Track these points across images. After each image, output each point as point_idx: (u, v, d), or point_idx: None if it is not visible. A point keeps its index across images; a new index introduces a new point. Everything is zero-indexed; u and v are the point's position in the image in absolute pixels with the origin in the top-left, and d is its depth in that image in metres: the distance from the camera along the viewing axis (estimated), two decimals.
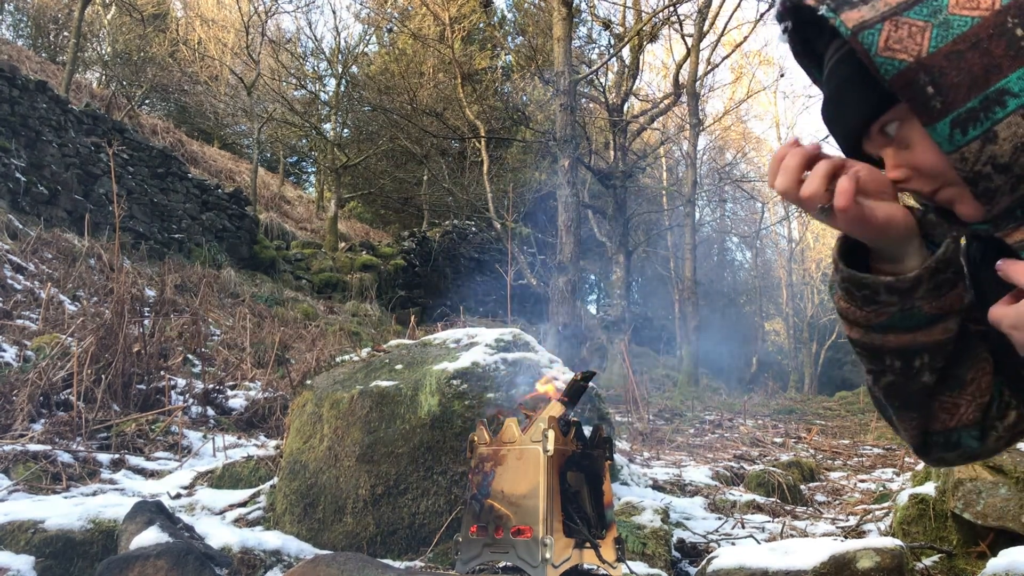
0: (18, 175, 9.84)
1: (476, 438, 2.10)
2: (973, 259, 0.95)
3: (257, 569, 2.34)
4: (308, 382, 3.38)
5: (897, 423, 0.98)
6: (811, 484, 4.91)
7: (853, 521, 3.56)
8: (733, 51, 18.88)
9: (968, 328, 0.92)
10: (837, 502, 4.42)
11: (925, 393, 0.93)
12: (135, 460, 3.97)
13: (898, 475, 5.13)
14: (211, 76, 21.34)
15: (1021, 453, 2.57)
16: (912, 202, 0.90)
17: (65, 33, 20.69)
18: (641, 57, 16.92)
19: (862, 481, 5.05)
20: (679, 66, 15.83)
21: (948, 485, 2.69)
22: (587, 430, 2.17)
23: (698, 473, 4.62)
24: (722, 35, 16.99)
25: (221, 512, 3.18)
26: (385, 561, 2.26)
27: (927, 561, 2.61)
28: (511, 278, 8.81)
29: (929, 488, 2.86)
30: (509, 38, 22.63)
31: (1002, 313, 0.80)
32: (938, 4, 0.75)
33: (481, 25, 20.25)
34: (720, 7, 15.91)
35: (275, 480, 3.27)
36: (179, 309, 8.04)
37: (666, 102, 16.53)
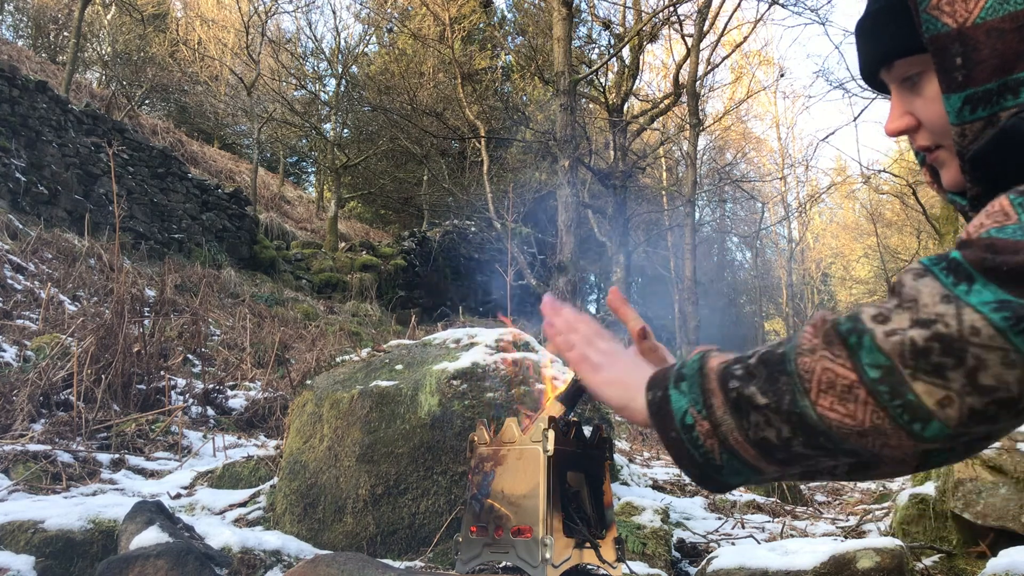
0: (18, 175, 9.84)
1: (476, 438, 2.10)
2: None
3: (257, 569, 2.34)
4: (308, 382, 3.38)
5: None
6: (811, 484, 4.91)
7: (853, 521, 3.56)
8: (733, 51, 18.87)
9: None
10: (837, 502, 4.42)
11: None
12: (135, 460, 3.97)
13: None
14: (211, 76, 21.34)
15: (1021, 453, 2.57)
16: None
17: (65, 33, 20.69)
18: (641, 57, 16.93)
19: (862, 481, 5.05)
20: (679, 66, 15.82)
21: (948, 485, 2.69)
22: (587, 430, 2.16)
23: None
24: (722, 35, 16.98)
25: (221, 512, 3.18)
26: (385, 561, 2.26)
27: (927, 561, 2.61)
28: (511, 278, 8.81)
29: (929, 488, 2.86)
30: (509, 38, 22.63)
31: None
32: None
33: (481, 25, 20.25)
34: (720, 7, 15.91)
35: (275, 480, 3.27)
36: (179, 309, 8.04)
37: (666, 102, 16.53)
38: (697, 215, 21.57)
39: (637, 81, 17.22)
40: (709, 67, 17.51)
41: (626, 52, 16.33)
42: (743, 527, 3.40)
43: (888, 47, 0.86)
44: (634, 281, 27.24)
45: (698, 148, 17.14)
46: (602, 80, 17.15)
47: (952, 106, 0.79)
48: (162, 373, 5.10)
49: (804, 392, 0.65)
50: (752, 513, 3.76)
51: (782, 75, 32.93)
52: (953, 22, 0.76)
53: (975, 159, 0.79)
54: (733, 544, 2.93)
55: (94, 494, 3.30)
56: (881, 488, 4.51)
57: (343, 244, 18.64)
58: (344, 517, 2.82)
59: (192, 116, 23.41)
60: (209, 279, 11.01)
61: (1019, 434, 2.57)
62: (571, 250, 9.85)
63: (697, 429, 0.73)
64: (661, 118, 18.68)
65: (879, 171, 20.14)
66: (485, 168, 14.85)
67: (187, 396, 5.18)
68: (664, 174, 25.27)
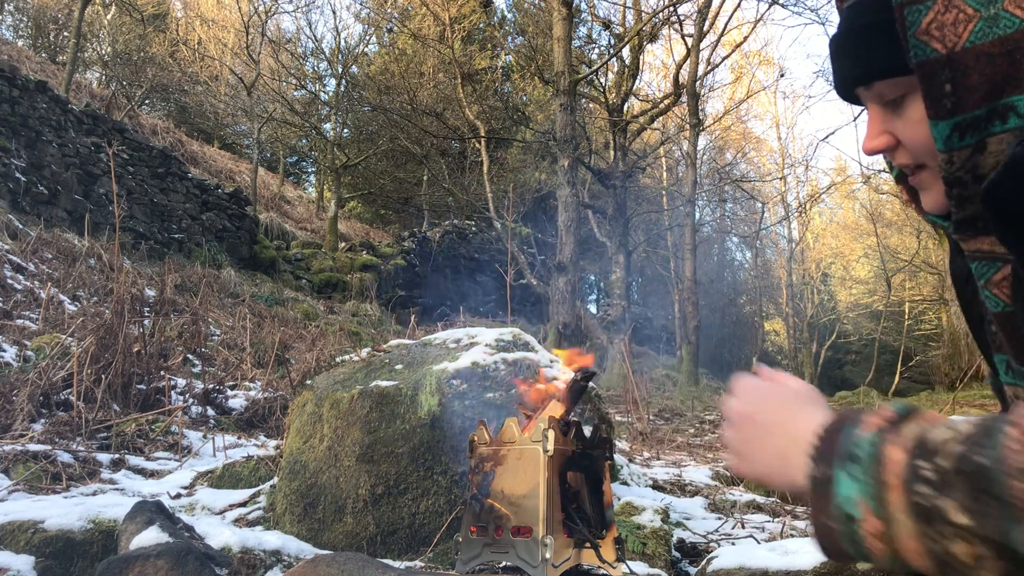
0: (18, 175, 9.84)
1: (476, 438, 2.10)
2: (957, 275, 0.93)
3: (257, 569, 2.34)
4: (308, 382, 3.39)
5: None
6: None
7: None
8: (733, 51, 18.89)
9: None
10: None
11: None
12: (135, 460, 3.97)
13: None
14: (211, 76, 21.35)
15: None
16: None
17: (65, 33, 20.70)
18: (641, 57, 16.94)
19: None
20: (679, 66, 15.84)
21: None
22: (587, 430, 2.17)
23: (698, 473, 4.62)
24: (722, 35, 17.00)
25: (221, 512, 3.18)
26: (385, 561, 2.26)
27: None
28: (511, 278, 8.81)
29: None
30: (509, 38, 22.64)
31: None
32: None
33: (481, 25, 20.26)
34: (720, 7, 15.93)
35: (275, 480, 3.27)
36: (179, 309, 8.04)
37: (666, 102, 16.55)
38: (697, 215, 21.57)
39: (637, 81, 17.24)
40: (709, 67, 17.52)
41: (626, 52, 16.33)
42: (743, 527, 3.39)
43: (869, 68, 0.83)
44: (634, 281, 27.24)
45: (698, 148, 17.14)
46: (602, 80, 17.16)
47: (940, 133, 0.77)
48: (162, 373, 5.10)
49: (1015, 520, 0.59)
50: (752, 513, 3.76)
51: (782, 75, 32.96)
52: (943, 47, 0.73)
53: (990, 192, 0.73)
54: (733, 544, 2.93)
55: (94, 494, 3.30)
56: None
57: (343, 244, 18.64)
58: (344, 517, 2.82)
59: (192, 116, 23.41)
60: (209, 279, 11.01)
61: None
62: (571, 250, 9.85)
63: (862, 526, 0.67)
64: (661, 118, 18.69)
65: (879, 171, 20.16)
66: (485, 168, 14.85)
67: (187, 396, 5.18)
68: (664, 174, 25.28)
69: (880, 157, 0.93)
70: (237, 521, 3.06)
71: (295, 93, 22.40)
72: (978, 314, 0.90)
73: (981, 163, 0.76)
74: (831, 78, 0.89)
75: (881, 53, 0.81)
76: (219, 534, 2.42)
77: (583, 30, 21.96)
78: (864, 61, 0.83)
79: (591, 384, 2.69)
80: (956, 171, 0.78)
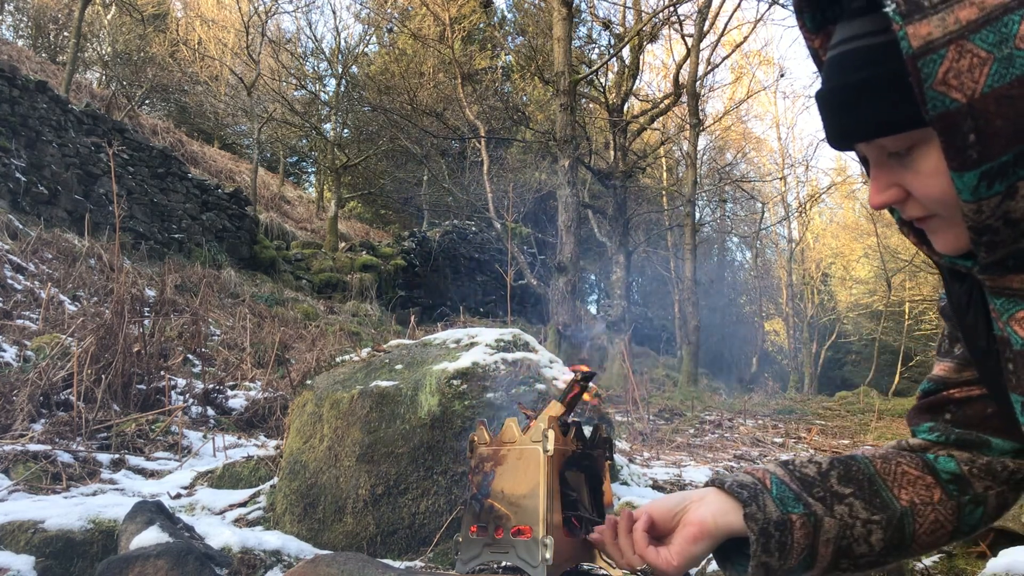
0: (18, 175, 9.84)
1: (476, 438, 2.10)
2: (958, 303, 0.92)
3: (257, 569, 2.34)
4: (308, 382, 3.38)
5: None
6: None
7: None
8: (733, 51, 18.89)
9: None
10: None
11: (893, 554, 0.98)
12: (135, 460, 3.97)
13: None
14: (211, 76, 21.35)
15: None
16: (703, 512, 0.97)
17: (65, 33, 20.71)
18: (641, 57, 16.93)
19: None
20: (679, 66, 15.84)
21: None
22: (587, 430, 2.17)
23: (698, 473, 4.62)
24: (722, 35, 17.00)
25: (221, 512, 3.18)
26: (385, 561, 2.26)
27: (927, 561, 2.61)
28: (511, 278, 8.81)
29: None
30: (509, 38, 22.64)
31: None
32: (1007, 32, 0.68)
33: (481, 25, 20.27)
34: (720, 7, 15.94)
35: (275, 480, 3.27)
36: (179, 309, 8.04)
37: (666, 102, 16.54)
38: (697, 215, 21.58)
39: (637, 81, 17.23)
40: (709, 67, 17.52)
41: (626, 52, 16.33)
42: None
43: (875, 124, 0.78)
44: (634, 281, 27.25)
45: (698, 148, 17.14)
46: (602, 80, 17.16)
47: (967, 184, 0.73)
48: (162, 373, 5.10)
49: None
50: None
51: (782, 75, 33.00)
52: (962, 96, 0.70)
53: None
54: None
55: (94, 494, 3.30)
56: None
57: (343, 244, 18.64)
58: (344, 517, 2.82)
59: (192, 116, 23.42)
60: (209, 279, 11.01)
61: None
62: (571, 250, 9.85)
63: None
64: (661, 118, 18.69)
65: None
66: (485, 168, 14.85)
67: (187, 396, 5.18)
68: (664, 174, 25.27)
69: None
70: (237, 521, 3.06)
71: (295, 93, 22.41)
72: (983, 344, 0.90)
73: (1013, 207, 0.74)
74: (823, 132, 0.84)
75: (886, 108, 0.77)
76: (219, 534, 2.42)
77: (583, 30, 21.99)
78: (867, 117, 0.79)
79: (590, 384, 2.68)
80: (986, 219, 0.76)
